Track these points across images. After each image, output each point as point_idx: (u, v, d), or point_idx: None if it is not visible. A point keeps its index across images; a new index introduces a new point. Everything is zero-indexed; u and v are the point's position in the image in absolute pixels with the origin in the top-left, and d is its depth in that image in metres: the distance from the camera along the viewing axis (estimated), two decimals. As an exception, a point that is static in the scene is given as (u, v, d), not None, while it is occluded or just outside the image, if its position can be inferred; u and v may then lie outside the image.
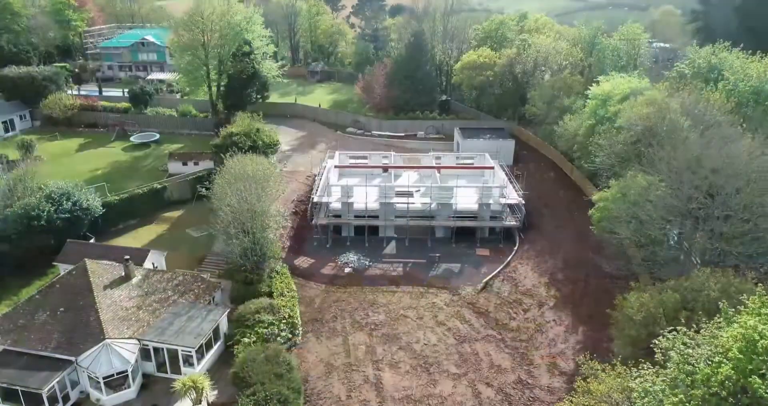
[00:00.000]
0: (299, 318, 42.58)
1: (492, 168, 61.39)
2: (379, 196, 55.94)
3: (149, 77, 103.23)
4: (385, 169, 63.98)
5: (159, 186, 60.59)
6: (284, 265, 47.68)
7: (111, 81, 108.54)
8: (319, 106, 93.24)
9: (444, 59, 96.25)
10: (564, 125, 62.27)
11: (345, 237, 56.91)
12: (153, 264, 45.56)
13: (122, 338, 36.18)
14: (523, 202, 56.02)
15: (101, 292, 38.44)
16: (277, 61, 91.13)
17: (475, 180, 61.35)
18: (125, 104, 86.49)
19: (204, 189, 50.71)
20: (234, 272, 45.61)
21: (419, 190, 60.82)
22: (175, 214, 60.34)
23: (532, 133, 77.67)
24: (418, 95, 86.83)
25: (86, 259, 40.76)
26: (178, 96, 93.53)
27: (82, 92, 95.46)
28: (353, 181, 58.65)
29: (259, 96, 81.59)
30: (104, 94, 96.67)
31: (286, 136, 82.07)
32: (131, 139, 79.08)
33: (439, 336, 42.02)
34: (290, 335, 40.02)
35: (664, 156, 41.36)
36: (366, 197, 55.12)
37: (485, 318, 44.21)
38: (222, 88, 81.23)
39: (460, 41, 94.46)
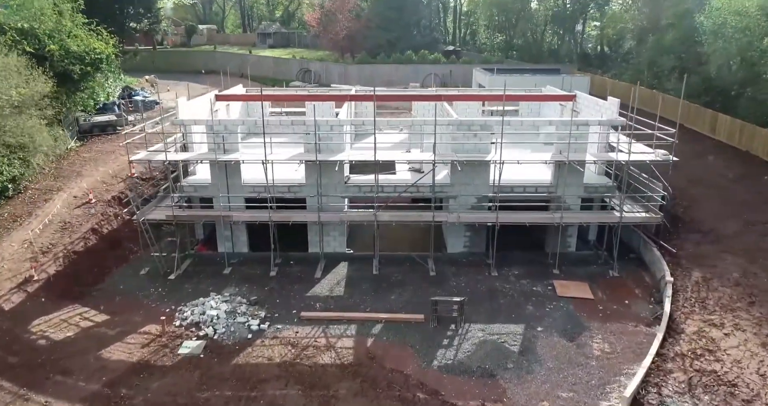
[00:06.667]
0: None
1: (573, 98, 27.34)
2: (308, 151, 21.82)
3: None
4: (340, 104, 29.84)
5: None
6: None
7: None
8: (250, 52, 59.74)
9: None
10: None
11: (221, 256, 22.68)
12: None
13: None
14: (674, 158, 21.80)
15: None
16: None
17: (532, 128, 27.28)
18: None
19: None
20: None
21: (409, 151, 27.12)
22: None
23: (609, 78, 44.18)
24: (408, 34, 53.97)
25: None
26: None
27: None
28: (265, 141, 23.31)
29: (140, 22, 48.44)
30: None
31: (185, 92, 48.66)
32: None
33: None
34: None
35: None
36: (271, 154, 20.95)
37: None
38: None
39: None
